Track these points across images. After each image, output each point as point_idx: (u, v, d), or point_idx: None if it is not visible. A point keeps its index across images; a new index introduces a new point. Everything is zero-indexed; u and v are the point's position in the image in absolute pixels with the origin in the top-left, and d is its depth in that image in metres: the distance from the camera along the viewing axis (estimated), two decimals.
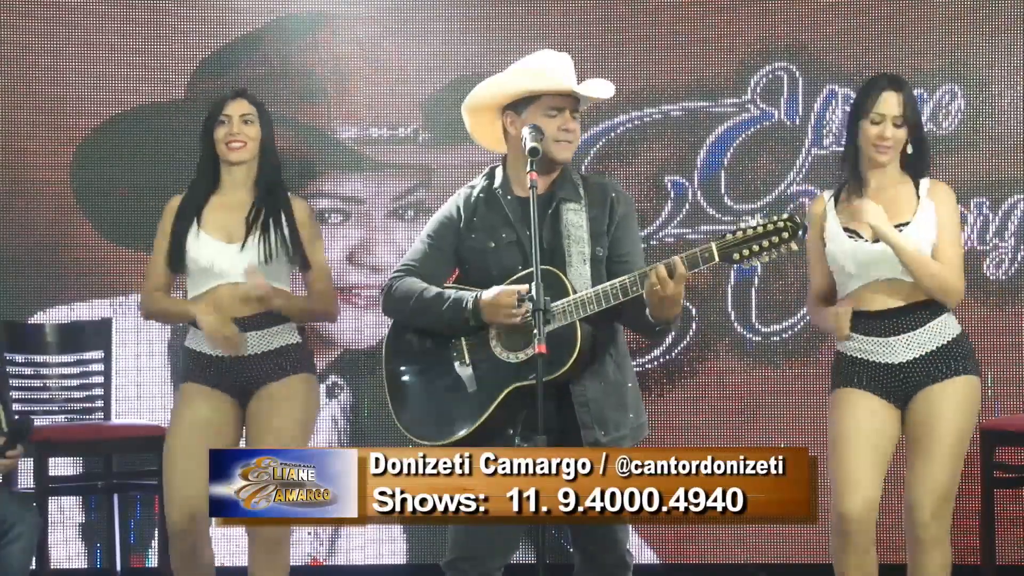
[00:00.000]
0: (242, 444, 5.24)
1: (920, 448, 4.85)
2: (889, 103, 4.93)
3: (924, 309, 4.89)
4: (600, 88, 4.64)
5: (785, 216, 4.32)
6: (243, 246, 5.15)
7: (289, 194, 5.30)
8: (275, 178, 5.28)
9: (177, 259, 5.20)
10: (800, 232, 4.29)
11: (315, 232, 5.31)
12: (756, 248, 4.31)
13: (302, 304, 5.26)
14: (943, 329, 4.89)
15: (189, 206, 5.24)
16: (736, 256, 4.32)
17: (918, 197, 4.94)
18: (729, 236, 4.33)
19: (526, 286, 4.38)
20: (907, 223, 4.89)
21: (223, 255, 5.15)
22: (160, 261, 5.26)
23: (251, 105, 5.24)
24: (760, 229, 4.31)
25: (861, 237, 4.90)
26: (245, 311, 5.15)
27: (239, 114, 5.20)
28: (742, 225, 4.33)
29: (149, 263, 5.31)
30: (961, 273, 4.90)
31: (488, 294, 4.48)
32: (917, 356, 4.87)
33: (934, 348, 4.87)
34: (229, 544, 6.41)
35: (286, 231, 5.20)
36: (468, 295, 4.52)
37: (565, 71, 4.60)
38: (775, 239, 4.31)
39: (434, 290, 4.59)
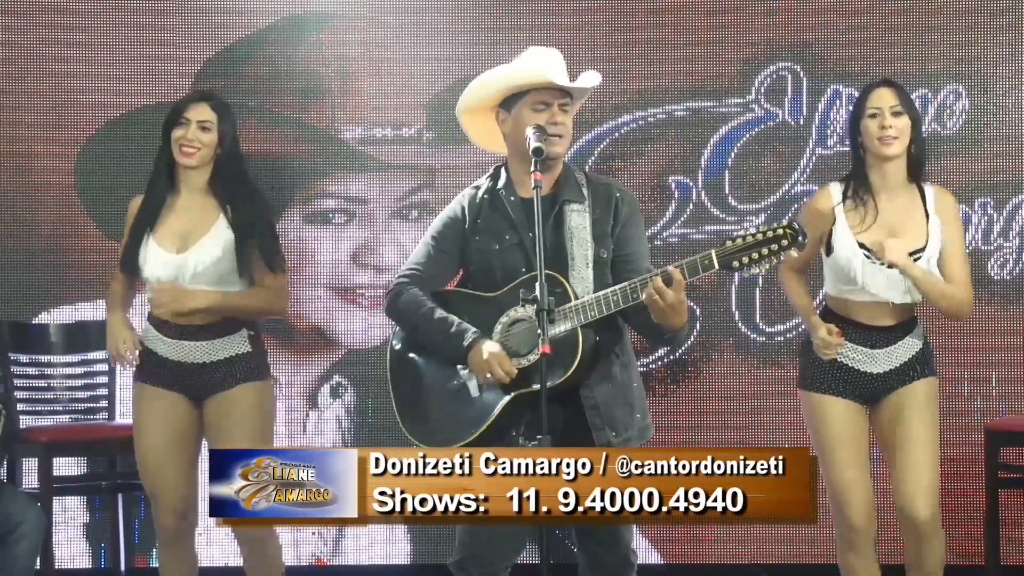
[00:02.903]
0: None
1: (902, 448, 5.00)
2: (882, 96, 5.02)
3: (907, 324, 5.07)
4: (581, 79, 4.61)
5: (785, 223, 4.32)
6: (187, 253, 5.17)
7: (255, 195, 5.29)
8: (236, 180, 5.25)
9: (131, 266, 5.24)
10: (800, 238, 4.29)
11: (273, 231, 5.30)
12: (756, 255, 4.31)
13: (235, 302, 5.20)
14: (916, 341, 5.07)
15: (146, 212, 5.25)
16: (736, 264, 4.32)
17: (926, 214, 4.98)
18: (729, 243, 4.32)
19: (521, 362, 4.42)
20: (922, 249, 4.98)
21: (165, 266, 5.18)
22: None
23: (212, 111, 5.22)
24: (760, 236, 4.31)
25: (876, 258, 4.94)
26: (192, 318, 5.19)
27: (197, 120, 5.19)
28: (741, 232, 4.33)
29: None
30: (970, 288, 5.05)
31: (485, 348, 4.46)
32: (894, 367, 5.04)
33: (907, 359, 5.05)
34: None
35: (243, 234, 5.19)
36: (470, 334, 4.51)
37: (549, 65, 4.58)
38: (775, 246, 4.30)
39: (439, 313, 4.57)
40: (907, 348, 5.05)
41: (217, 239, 5.18)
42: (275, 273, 5.22)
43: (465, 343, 4.49)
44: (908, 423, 4.99)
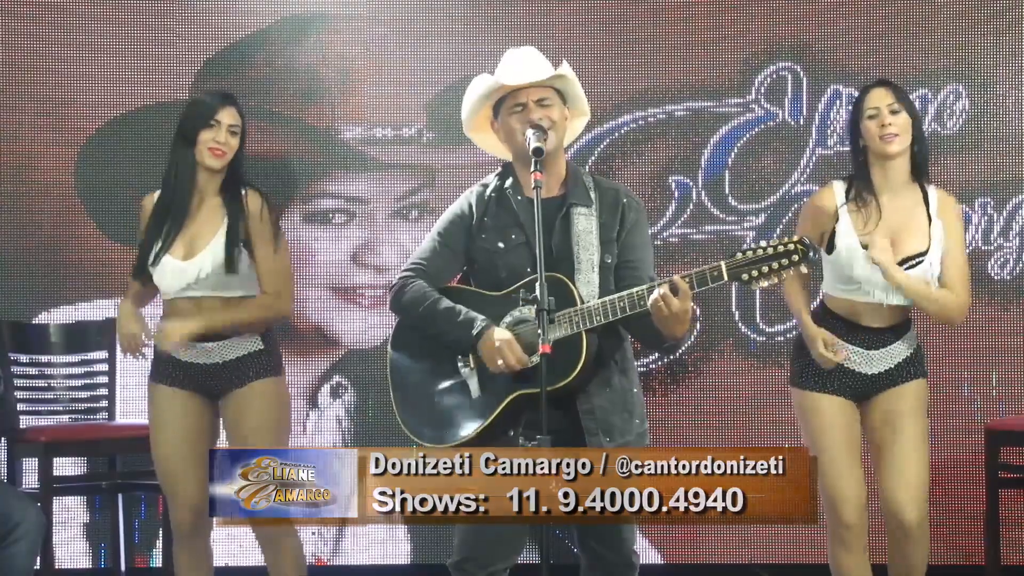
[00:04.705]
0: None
1: (893, 449, 5.02)
2: (879, 95, 5.04)
3: (903, 325, 5.09)
4: (533, 71, 4.56)
5: (796, 239, 4.33)
6: (194, 260, 5.17)
7: (246, 190, 5.25)
8: (238, 181, 5.26)
9: (141, 271, 5.25)
10: (811, 254, 4.30)
11: (264, 228, 5.21)
12: (765, 269, 4.32)
13: (233, 318, 5.20)
14: (911, 342, 5.09)
15: (161, 215, 5.23)
16: (745, 276, 4.33)
17: (929, 217, 4.99)
18: (739, 256, 4.34)
19: (531, 356, 4.40)
20: (924, 253, 4.98)
21: (174, 275, 5.18)
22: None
23: (239, 116, 5.22)
24: (770, 251, 4.32)
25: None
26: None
27: (228, 123, 5.19)
28: (752, 246, 4.35)
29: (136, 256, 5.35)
30: (967, 293, 5.06)
31: (496, 335, 4.45)
32: (889, 368, 5.06)
33: (902, 360, 5.06)
34: (231, 544, 6.43)
35: (242, 235, 5.20)
36: (479, 322, 4.51)
37: (509, 67, 4.59)
38: (784, 261, 4.31)
39: (446, 303, 4.58)
40: (902, 349, 5.06)
41: (219, 246, 5.18)
42: (276, 252, 5.20)
43: (475, 331, 4.49)
44: (899, 425, 5.00)
